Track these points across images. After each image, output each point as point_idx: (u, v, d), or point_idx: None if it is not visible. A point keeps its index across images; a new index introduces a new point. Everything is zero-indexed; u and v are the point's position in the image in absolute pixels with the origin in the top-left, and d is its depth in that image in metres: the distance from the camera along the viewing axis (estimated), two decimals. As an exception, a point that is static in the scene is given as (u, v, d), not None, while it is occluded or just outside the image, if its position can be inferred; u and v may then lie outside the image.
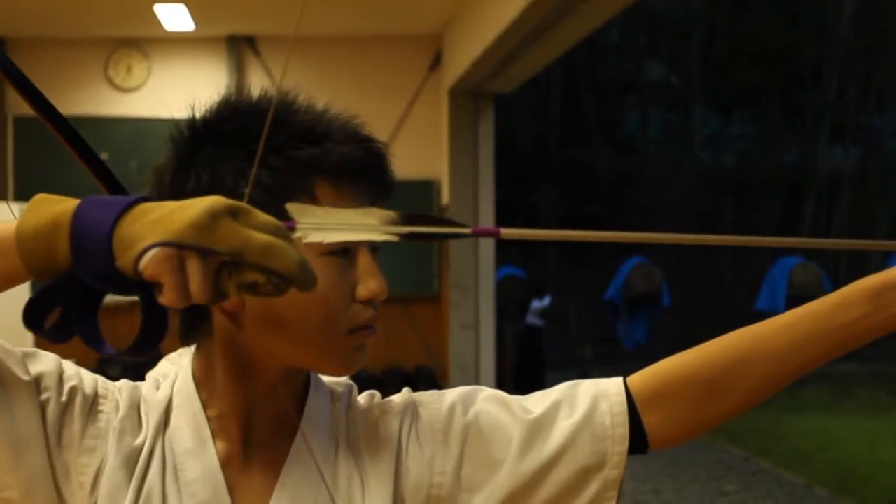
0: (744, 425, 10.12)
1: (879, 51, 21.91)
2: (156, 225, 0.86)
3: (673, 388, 1.22)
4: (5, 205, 7.93)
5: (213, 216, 0.86)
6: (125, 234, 0.86)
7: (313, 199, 1.12)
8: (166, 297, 0.86)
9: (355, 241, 0.99)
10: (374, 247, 1.17)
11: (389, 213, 0.98)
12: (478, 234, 0.99)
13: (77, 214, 0.88)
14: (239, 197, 1.07)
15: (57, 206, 0.90)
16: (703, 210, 22.66)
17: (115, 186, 1.18)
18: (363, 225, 0.98)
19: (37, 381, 1.12)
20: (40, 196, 0.92)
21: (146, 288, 0.87)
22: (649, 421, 1.21)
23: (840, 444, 10.14)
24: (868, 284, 1.20)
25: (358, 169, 1.15)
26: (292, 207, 0.97)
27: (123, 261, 0.86)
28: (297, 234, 0.94)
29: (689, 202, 22.45)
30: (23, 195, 7.98)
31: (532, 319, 13.41)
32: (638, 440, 1.22)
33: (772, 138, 23.41)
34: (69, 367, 1.17)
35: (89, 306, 0.92)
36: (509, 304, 12.76)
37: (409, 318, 8.72)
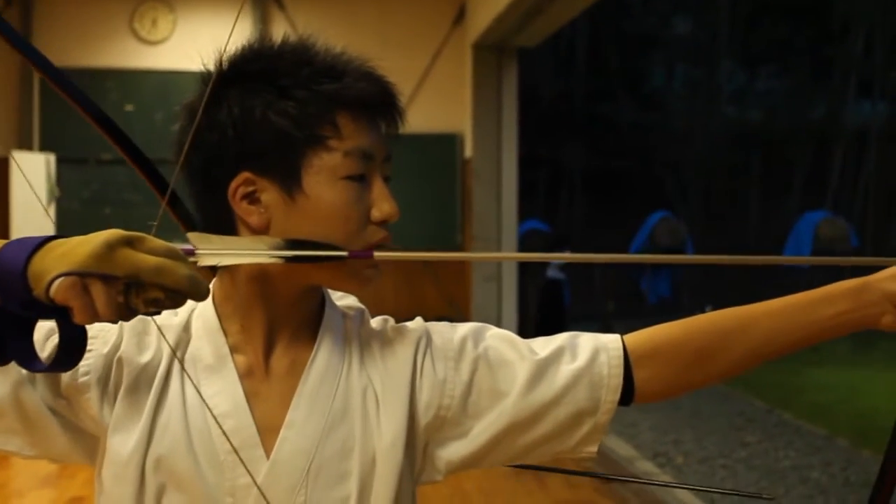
0: (766, 378, 10.16)
1: (909, 5, 21.64)
2: (62, 258, 0.99)
3: (665, 350, 1.35)
4: (34, 155, 7.95)
5: (110, 246, 0.99)
6: (37, 268, 0.99)
7: (336, 129, 1.24)
8: (78, 318, 1.00)
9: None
10: (386, 175, 1.29)
11: (276, 240, 1.18)
12: (353, 257, 1.21)
13: None
14: (267, 126, 1.21)
15: None
16: (729, 165, 22.55)
17: (123, 139, 1.27)
18: (253, 250, 1.16)
19: None
20: None
21: (62, 312, 1.00)
22: (640, 376, 1.34)
23: (861, 396, 10.16)
24: (850, 285, 1.32)
25: (374, 103, 1.27)
26: (192, 236, 1.14)
27: (38, 290, 0.99)
28: (193, 259, 1.09)
29: (715, 157, 22.34)
30: (48, 146, 8.05)
31: (553, 273, 13.42)
32: (626, 392, 1.33)
33: (799, 93, 23.24)
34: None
35: (22, 331, 1.07)
36: (531, 258, 12.79)
37: (431, 271, 8.79)
